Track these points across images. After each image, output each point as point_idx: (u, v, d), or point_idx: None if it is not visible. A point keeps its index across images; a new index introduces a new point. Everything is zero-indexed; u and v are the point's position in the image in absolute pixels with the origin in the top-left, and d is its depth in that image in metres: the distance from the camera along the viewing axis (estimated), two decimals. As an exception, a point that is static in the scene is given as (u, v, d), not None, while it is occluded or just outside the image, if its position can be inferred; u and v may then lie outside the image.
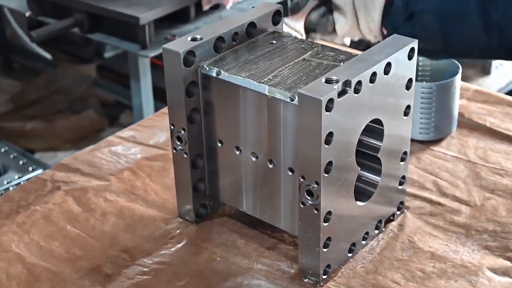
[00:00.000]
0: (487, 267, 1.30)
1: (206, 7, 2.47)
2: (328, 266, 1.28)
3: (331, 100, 1.13)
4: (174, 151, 1.38)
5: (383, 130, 1.29)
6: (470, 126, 1.69)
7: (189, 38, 1.31)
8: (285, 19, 1.58)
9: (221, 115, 1.33)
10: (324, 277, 1.28)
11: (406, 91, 1.31)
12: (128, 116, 3.41)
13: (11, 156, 2.68)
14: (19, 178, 2.49)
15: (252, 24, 1.38)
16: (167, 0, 2.38)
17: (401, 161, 1.37)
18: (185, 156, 1.36)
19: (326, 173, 1.18)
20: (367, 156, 1.33)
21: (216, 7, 2.54)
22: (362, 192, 1.33)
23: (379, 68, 1.22)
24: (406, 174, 1.40)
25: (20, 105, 3.64)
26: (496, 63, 3.23)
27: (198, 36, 1.31)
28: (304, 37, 1.60)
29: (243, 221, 1.42)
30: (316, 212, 1.21)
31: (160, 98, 2.58)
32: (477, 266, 1.30)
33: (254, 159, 1.31)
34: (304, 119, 1.15)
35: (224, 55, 1.34)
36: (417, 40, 1.29)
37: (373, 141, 1.32)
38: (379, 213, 1.37)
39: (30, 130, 3.44)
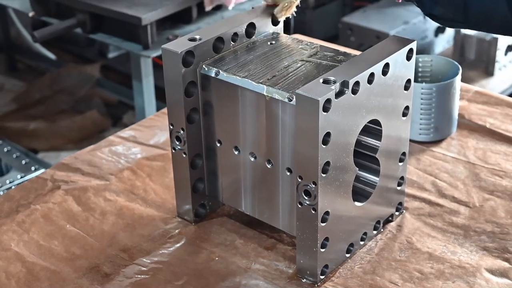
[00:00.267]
0: (485, 268, 1.30)
1: (208, 7, 2.47)
2: (326, 266, 1.28)
3: (328, 101, 1.14)
4: (173, 151, 1.38)
5: (381, 130, 1.30)
6: (470, 127, 1.69)
7: (188, 38, 1.31)
8: None
9: (220, 115, 1.33)
10: (322, 277, 1.28)
11: (405, 91, 1.31)
12: (131, 116, 3.42)
13: (14, 155, 2.68)
14: (21, 177, 2.49)
15: (251, 25, 1.39)
16: (169, 0, 2.39)
17: (400, 161, 1.37)
18: (184, 156, 1.36)
19: (323, 173, 1.18)
20: (365, 156, 1.33)
21: (218, 8, 2.54)
22: (360, 193, 1.34)
23: (377, 68, 1.22)
24: (405, 175, 1.40)
25: (23, 105, 3.64)
26: (499, 65, 3.23)
27: (197, 37, 1.31)
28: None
29: (242, 221, 1.43)
30: (313, 212, 1.21)
31: (162, 98, 2.57)
32: (475, 267, 1.30)
33: (252, 159, 1.31)
34: (302, 119, 1.16)
35: (223, 55, 1.34)
36: (415, 41, 1.30)
37: (372, 142, 1.32)
38: (378, 213, 1.37)
39: (33, 130, 3.45)
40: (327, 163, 1.19)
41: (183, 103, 1.31)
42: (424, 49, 3.46)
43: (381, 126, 1.29)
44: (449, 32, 3.61)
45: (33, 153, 3.14)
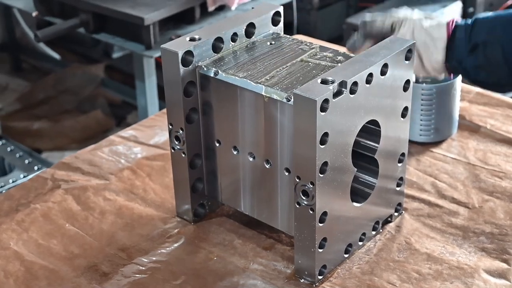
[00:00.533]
0: (483, 269, 1.29)
1: (211, 8, 2.47)
2: (324, 266, 1.28)
3: (326, 101, 1.14)
4: (173, 150, 1.38)
5: (380, 131, 1.29)
6: (470, 128, 1.69)
7: (188, 38, 1.32)
8: None
9: (219, 115, 1.33)
10: (320, 277, 1.28)
11: (404, 92, 1.31)
12: (135, 116, 3.42)
13: (17, 155, 2.69)
14: (24, 177, 2.50)
15: (251, 25, 1.39)
16: (172, 1, 2.39)
17: (399, 162, 1.37)
18: (183, 155, 1.36)
19: (321, 174, 1.18)
20: (364, 157, 1.33)
21: (221, 8, 2.54)
22: (359, 193, 1.34)
23: (376, 69, 1.22)
24: (404, 175, 1.40)
25: (28, 104, 3.66)
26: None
27: (197, 36, 1.32)
28: None
29: (241, 221, 1.43)
30: (311, 212, 1.21)
31: (165, 98, 2.58)
32: (473, 268, 1.30)
33: (251, 159, 1.31)
34: (299, 119, 1.16)
35: (222, 55, 1.34)
36: (414, 41, 1.30)
37: (370, 142, 1.32)
38: (377, 214, 1.37)
39: (37, 129, 3.46)
40: (325, 163, 1.19)
41: (182, 103, 1.31)
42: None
43: (379, 127, 1.29)
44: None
45: (37, 152, 3.14)
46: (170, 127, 1.36)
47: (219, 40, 1.34)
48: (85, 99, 3.67)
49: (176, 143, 1.36)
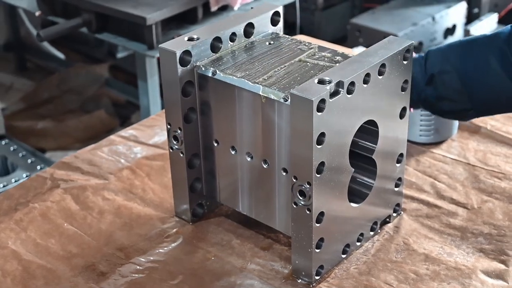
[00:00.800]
0: (480, 270, 1.29)
1: (214, 8, 2.47)
2: (321, 267, 1.28)
3: (322, 101, 1.13)
4: (171, 150, 1.38)
5: (377, 131, 1.29)
6: (471, 129, 1.68)
7: (186, 38, 1.32)
8: None
9: (217, 115, 1.33)
10: (317, 277, 1.28)
11: (402, 92, 1.31)
12: (139, 116, 3.42)
13: (20, 154, 2.70)
14: (27, 176, 2.50)
15: (250, 25, 1.38)
16: (174, 0, 2.39)
17: (397, 163, 1.37)
18: (181, 155, 1.36)
19: (318, 174, 1.18)
20: (362, 157, 1.32)
21: (224, 8, 2.54)
22: (357, 194, 1.33)
23: (373, 69, 1.22)
24: (403, 176, 1.40)
25: (32, 104, 3.66)
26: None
27: (195, 36, 1.32)
28: None
29: (239, 221, 1.43)
30: (308, 212, 1.21)
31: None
32: (470, 269, 1.29)
33: (249, 159, 1.31)
34: (296, 120, 1.16)
35: (221, 55, 1.34)
36: (413, 42, 1.29)
37: (368, 143, 1.31)
38: (375, 214, 1.37)
39: (41, 129, 3.46)
40: (322, 164, 1.18)
41: (180, 102, 1.31)
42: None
43: (377, 127, 1.29)
44: (458, 34, 3.61)
45: (41, 152, 3.14)
46: (168, 126, 1.36)
47: (217, 40, 1.34)
48: (89, 99, 3.67)
49: (174, 142, 1.36)
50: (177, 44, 1.30)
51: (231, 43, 1.36)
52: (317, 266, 1.27)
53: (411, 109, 1.53)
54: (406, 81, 1.30)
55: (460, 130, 1.67)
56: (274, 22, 1.43)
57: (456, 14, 3.58)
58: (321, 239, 1.25)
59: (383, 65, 1.23)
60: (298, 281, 1.29)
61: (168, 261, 1.34)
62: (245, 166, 1.33)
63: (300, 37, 2.04)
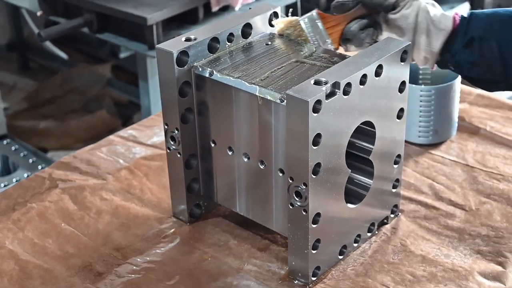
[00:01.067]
0: (477, 271, 1.29)
1: (215, 8, 2.47)
2: (318, 268, 1.28)
3: (318, 102, 1.13)
4: (168, 150, 1.38)
5: (375, 132, 1.29)
6: (470, 130, 1.68)
7: (183, 39, 1.32)
8: (304, 20, 1.42)
9: (214, 116, 1.33)
10: (314, 278, 1.28)
11: (399, 93, 1.30)
12: (141, 116, 3.42)
13: (21, 154, 2.70)
14: (28, 176, 2.50)
15: (247, 25, 1.38)
16: (175, 1, 2.39)
17: (395, 164, 1.37)
18: (179, 155, 1.36)
19: (314, 175, 1.18)
20: (359, 158, 1.32)
21: (225, 9, 2.54)
22: (354, 195, 1.33)
23: (370, 70, 1.21)
24: (400, 177, 1.40)
25: (35, 104, 3.66)
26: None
27: (192, 37, 1.31)
28: (331, 47, 1.43)
29: (236, 221, 1.43)
30: (304, 213, 1.21)
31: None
32: (467, 271, 1.29)
33: (246, 160, 1.31)
34: (292, 120, 1.15)
35: (218, 55, 1.34)
36: (409, 43, 1.29)
37: (365, 144, 1.31)
38: (372, 216, 1.37)
39: (43, 129, 3.46)
40: (318, 165, 1.18)
41: (178, 103, 1.31)
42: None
43: (374, 128, 1.28)
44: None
45: (43, 152, 3.15)
46: (166, 127, 1.36)
47: (215, 40, 1.33)
48: (92, 98, 3.67)
49: (172, 143, 1.36)
50: (174, 45, 1.30)
51: (229, 43, 1.36)
52: (313, 267, 1.27)
53: (433, 67, 1.48)
54: (403, 82, 1.30)
55: (459, 131, 1.67)
56: (272, 23, 1.43)
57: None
58: (318, 240, 1.25)
59: (380, 66, 1.23)
60: (295, 282, 1.28)
61: (164, 262, 1.34)
62: (242, 167, 1.33)
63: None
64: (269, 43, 1.38)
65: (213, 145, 1.36)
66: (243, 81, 1.25)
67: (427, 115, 1.60)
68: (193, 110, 1.34)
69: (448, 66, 1.46)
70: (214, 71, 1.29)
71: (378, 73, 1.23)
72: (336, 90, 1.16)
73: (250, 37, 1.39)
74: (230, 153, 1.33)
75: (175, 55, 1.27)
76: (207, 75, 1.30)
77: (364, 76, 1.21)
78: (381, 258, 1.33)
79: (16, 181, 2.50)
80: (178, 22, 2.47)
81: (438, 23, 1.42)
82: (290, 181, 1.20)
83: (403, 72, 1.29)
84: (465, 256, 1.33)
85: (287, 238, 1.32)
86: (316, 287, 1.27)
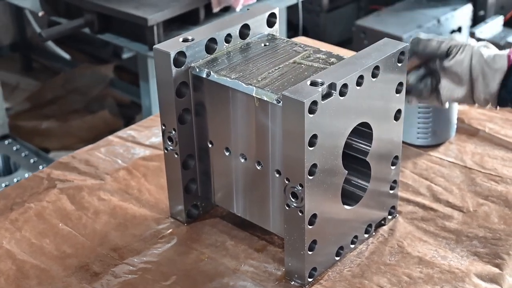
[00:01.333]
0: (474, 273, 1.29)
1: (215, 9, 2.47)
2: (314, 269, 1.28)
3: (314, 103, 1.13)
4: (166, 151, 1.38)
5: (372, 133, 1.29)
6: (469, 131, 1.68)
7: (181, 39, 1.31)
8: None
9: (211, 116, 1.33)
10: (310, 280, 1.28)
11: (396, 95, 1.30)
12: (142, 117, 3.43)
13: (23, 154, 2.71)
14: (29, 176, 2.50)
15: (245, 26, 1.38)
16: (176, 1, 2.39)
17: (392, 165, 1.36)
18: (176, 156, 1.36)
19: (310, 176, 1.18)
20: (356, 159, 1.32)
21: (226, 9, 2.54)
22: (351, 196, 1.33)
23: (367, 71, 1.21)
24: (398, 178, 1.39)
25: (37, 104, 3.67)
26: None
27: (190, 37, 1.31)
28: None
29: (234, 222, 1.43)
30: (300, 214, 1.21)
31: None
32: (464, 272, 1.29)
33: (243, 160, 1.31)
34: (288, 121, 1.15)
35: (216, 56, 1.34)
36: (407, 44, 1.29)
37: (362, 145, 1.31)
38: (369, 217, 1.36)
39: (45, 129, 3.47)
40: (314, 165, 1.18)
41: (175, 103, 1.31)
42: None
43: (371, 129, 1.28)
44: (463, 36, 3.59)
45: (45, 152, 3.15)
46: (163, 127, 1.36)
47: (212, 41, 1.33)
48: (94, 99, 3.68)
49: (169, 143, 1.36)
50: (171, 45, 1.30)
51: (227, 44, 1.36)
52: (310, 268, 1.27)
53: (497, 107, 1.47)
54: (400, 83, 1.30)
55: (458, 133, 1.67)
56: (270, 24, 1.43)
57: (461, 17, 3.57)
58: (314, 241, 1.25)
59: (376, 67, 1.23)
60: (291, 283, 1.28)
61: (161, 262, 1.34)
62: (239, 168, 1.33)
63: (300, 39, 2.04)
64: (267, 44, 1.38)
65: (210, 145, 1.36)
66: (240, 82, 1.25)
67: (426, 116, 1.60)
68: (191, 110, 1.34)
69: (507, 104, 1.45)
70: (211, 72, 1.29)
71: (375, 74, 1.23)
72: (333, 91, 1.16)
73: (248, 38, 1.39)
74: (227, 153, 1.33)
75: (172, 56, 1.27)
76: (204, 75, 1.30)
77: (361, 77, 1.21)
78: (378, 260, 1.32)
79: (17, 181, 2.50)
80: (179, 23, 2.47)
81: (493, 64, 1.42)
82: (286, 182, 1.20)
83: (400, 73, 1.29)
84: (462, 257, 1.32)
85: (284, 239, 1.33)
86: (313, 288, 1.28)
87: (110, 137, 1.72)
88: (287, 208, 1.22)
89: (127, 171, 1.58)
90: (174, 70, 1.29)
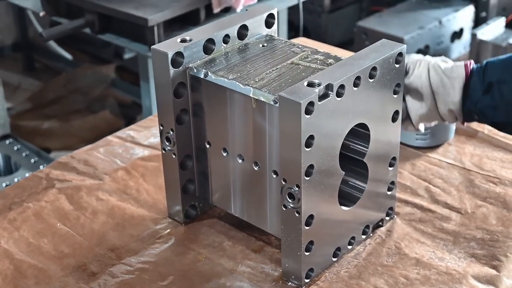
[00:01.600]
0: (471, 275, 1.28)
1: (216, 9, 2.47)
2: (311, 270, 1.28)
3: (311, 103, 1.13)
4: (164, 151, 1.38)
5: (369, 134, 1.29)
6: (468, 133, 1.68)
7: (179, 40, 1.32)
8: None
9: (209, 117, 1.33)
10: (307, 280, 1.28)
11: (394, 96, 1.30)
12: (143, 117, 3.43)
13: (24, 154, 2.71)
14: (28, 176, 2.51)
15: (243, 27, 1.38)
16: (177, 2, 2.39)
17: (390, 166, 1.36)
18: (174, 156, 1.36)
19: (307, 176, 1.18)
20: (354, 160, 1.32)
21: (226, 10, 2.53)
22: (348, 197, 1.33)
23: (364, 72, 1.21)
24: (396, 179, 1.39)
25: (38, 104, 3.67)
26: None
27: (188, 38, 1.32)
28: None
29: (232, 223, 1.43)
30: (297, 215, 1.21)
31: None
32: (461, 274, 1.29)
33: (240, 161, 1.31)
34: (285, 122, 1.15)
35: (214, 57, 1.34)
36: (405, 45, 1.29)
37: (359, 146, 1.31)
38: (367, 218, 1.36)
39: (47, 129, 3.47)
40: (311, 166, 1.18)
41: (173, 104, 1.31)
42: (440, 54, 3.42)
43: (369, 130, 1.28)
44: (466, 38, 3.60)
45: (46, 152, 3.15)
46: (161, 128, 1.36)
47: (210, 41, 1.34)
48: (95, 99, 3.68)
49: (167, 144, 1.36)
50: (169, 46, 1.30)
51: (225, 45, 1.36)
52: (306, 269, 1.27)
53: (464, 123, 1.51)
54: (398, 85, 1.30)
55: (457, 134, 1.67)
56: (268, 24, 1.43)
57: (463, 18, 3.57)
58: (311, 242, 1.25)
59: (374, 68, 1.23)
60: (288, 283, 1.28)
61: (159, 262, 1.34)
62: (237, 168, 1.33)
63: (299, 40, 2.04)
64: (265, 44, 1.38)
65: (208, 146, 1.36)
66: (237, 83, 1.25)
67: (425, 117, 1.59)
68: (188, 111, 1.34)
69: (473, 117, 1.47)
70: (209, 72, 1.29)
71: (372, 75, 1.23)
72: (330, 92, 1.16)
73: (246, 39, 1.39)
74: (224, 154, 1.33)
75: (170, 56, 1.28)
76: (202, 76, 1.30)
77: (358, 78, 1.21)
78: (375, 261, 1.32)
79: (18, 181, 2.50)
80: (179, 24, 2.47)
81: (451, 73, 1.44)
82: (283, 183, 1.20)
83: (397, 75, 1.29)
84: (460, 259, 1.32)
85: (281, 240, 1.33)
86: (309, 289, 1.27)
87: (109, 137, 1.72)
88: (284, 208, 1.22)
89: (125, 171, 1.58)
90: (172, 70, 1.29)
